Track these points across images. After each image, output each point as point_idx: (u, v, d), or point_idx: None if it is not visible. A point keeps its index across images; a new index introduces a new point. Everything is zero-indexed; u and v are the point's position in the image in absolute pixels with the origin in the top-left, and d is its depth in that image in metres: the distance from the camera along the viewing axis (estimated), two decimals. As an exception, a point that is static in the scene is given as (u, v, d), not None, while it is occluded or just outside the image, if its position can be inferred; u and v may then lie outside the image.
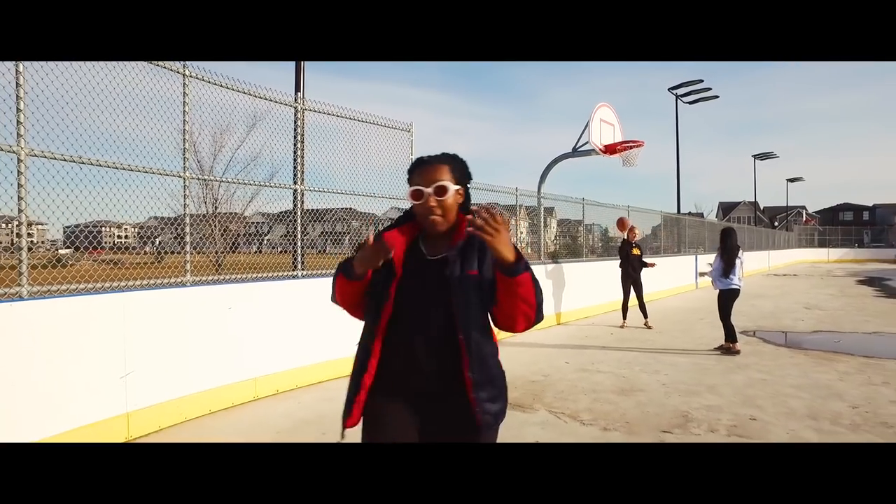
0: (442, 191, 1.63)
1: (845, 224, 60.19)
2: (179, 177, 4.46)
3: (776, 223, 49.04)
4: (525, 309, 1.57)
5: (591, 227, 13.30)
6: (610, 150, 9.41)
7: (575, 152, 9.76)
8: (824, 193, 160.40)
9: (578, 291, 10.16)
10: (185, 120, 4.48)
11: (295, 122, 5.96)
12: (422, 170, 1.68)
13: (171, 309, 4.29)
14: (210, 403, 4.52)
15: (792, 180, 41.54)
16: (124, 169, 4.10)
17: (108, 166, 3.99)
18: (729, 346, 7.04)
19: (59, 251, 5.10)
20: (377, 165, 6.74)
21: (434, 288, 1.65)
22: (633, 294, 9.31)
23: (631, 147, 9.50)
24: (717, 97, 19.85)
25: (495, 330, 1.76)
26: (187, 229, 4.50)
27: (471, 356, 1.63)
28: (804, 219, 51.18)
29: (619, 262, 9.37)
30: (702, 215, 42.64)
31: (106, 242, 6.49)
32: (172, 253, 5.31)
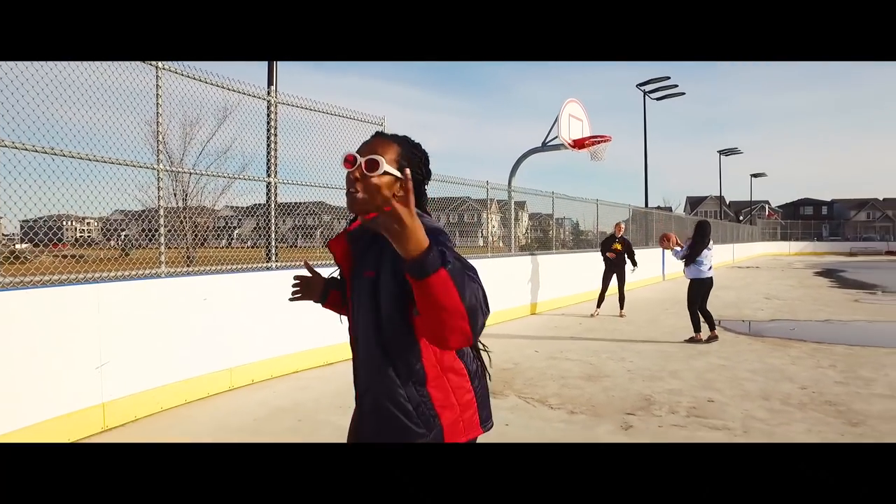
0: (372, 165, 1.35)
1: (805, 218, 62.32)
2: (153, 168, 4.48)
3: (741, 217, 50.45)
4: (452, 322, 1.09)
5: (562, 221, 13.55)
6: (578, 144, 9.65)
7: (544, 147, 9.97)
8: (786, 189, 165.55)
9: (550, 283, 10.40)
10: (158, 112, 4.50)
11: (268, 115, 6.00)
12: (369, 141, 1.43)
13: (147, 300, 4.31)
14: (186, 393, 4.57)
15: (756, 175, 42.81)
16: (97, 161, 4.11)
17: (82, 158, 3.99)
18: (699, 337, 7.21)
19: (17, 246, 5.01)
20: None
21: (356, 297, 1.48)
22: (611, 287, 9.65)
23: (599, 142, 9.76)
24: (683, 94, 20.39)
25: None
26: (161, 220, 4.53)
27: (377, 380, 1.43)
28: (767, 213, 52.77)
29: (599, 254, 9.69)
30: (670, 209, 43.62)
31: (67, 237, 6.36)
32: (138, 247, 5.24)
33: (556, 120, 9.51)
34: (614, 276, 9.65)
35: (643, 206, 20.01)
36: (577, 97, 10.21)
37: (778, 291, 14.01)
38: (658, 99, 20.75)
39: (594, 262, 12.33)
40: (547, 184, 23.69)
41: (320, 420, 4.21)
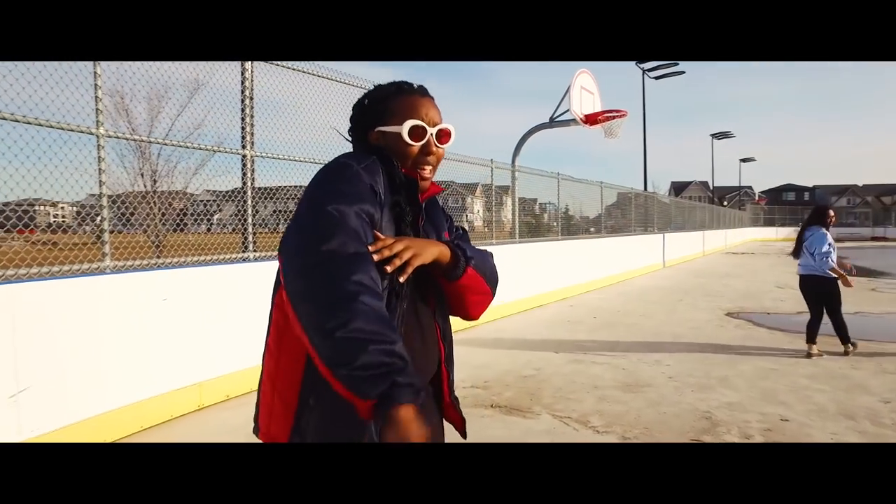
0: (446, 137, 1.26)
1: (789, 204, 62.54)
2: (91, 133, 3.47)
3: (725, 202, 50.26)
4: (478, 299, 1.31)
5: (545, 206, 12.26)
6: (591, 120, 8.75)
7: (552, 122, 9.06)
8: (768, 174, 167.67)
9: (553, 272, 9.56)
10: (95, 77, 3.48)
11: (242, 78, 5.03)
12: (421, 101, 1.25)
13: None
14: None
15: (745, 160, 42.45)
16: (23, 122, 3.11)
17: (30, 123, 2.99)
18: (849, 349, 5.68)
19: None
20: (335, 132, 5.89)
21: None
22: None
23: (614, 117, 8.87)
24: (683, 73, 19.56)
25: None
26: (104, 201, 3.54)
27: (446, 346, 1.31)
28: (756, 198, 52.70)
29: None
30: (655, 194, 43.10)
31: (40, 222, 5.85)
32: (114, 232, 4.46)
33: (566, 92, 8.58)
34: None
35: (641, 189, 19.27)
36: (567, 79, 9.11)
37: (785, 279, 13.35)
38: (657, 78, 19.87)
39: (595, 249, 11.50)
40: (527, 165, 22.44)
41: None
